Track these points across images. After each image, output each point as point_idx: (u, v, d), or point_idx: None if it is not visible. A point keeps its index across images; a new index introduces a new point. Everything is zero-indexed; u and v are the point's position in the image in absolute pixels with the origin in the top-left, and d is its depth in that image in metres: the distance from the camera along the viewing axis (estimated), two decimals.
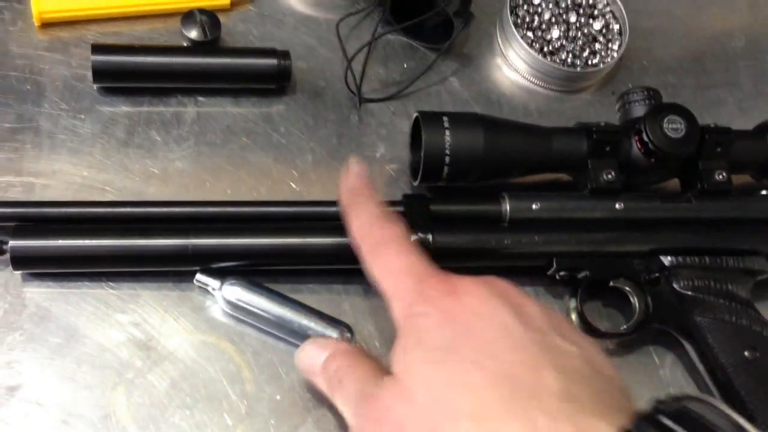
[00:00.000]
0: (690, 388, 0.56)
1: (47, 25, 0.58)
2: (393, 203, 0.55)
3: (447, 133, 0.53)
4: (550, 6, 0.67)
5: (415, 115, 0.55)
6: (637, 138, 0.55)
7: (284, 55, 0.58)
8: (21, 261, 0.49)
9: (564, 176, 0.59)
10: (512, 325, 0.39)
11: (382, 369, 0.42)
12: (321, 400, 0.51)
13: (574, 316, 0.55)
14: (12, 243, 0.48)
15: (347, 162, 0.50)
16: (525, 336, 0.39)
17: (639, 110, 0.57)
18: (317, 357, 0.46)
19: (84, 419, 0.48)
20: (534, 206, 0.55)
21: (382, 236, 0.46)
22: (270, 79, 0.59)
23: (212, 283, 0.52)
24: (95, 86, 0.57)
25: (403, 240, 0.45)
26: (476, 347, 0.38)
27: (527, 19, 0.66)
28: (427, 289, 0.42)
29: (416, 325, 0.41)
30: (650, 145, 0.54)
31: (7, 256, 0.49)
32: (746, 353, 0.53)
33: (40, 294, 0.51)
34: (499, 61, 0.67)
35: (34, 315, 0.50)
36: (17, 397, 0.48)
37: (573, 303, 0.55)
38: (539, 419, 0.35)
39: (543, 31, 0.66)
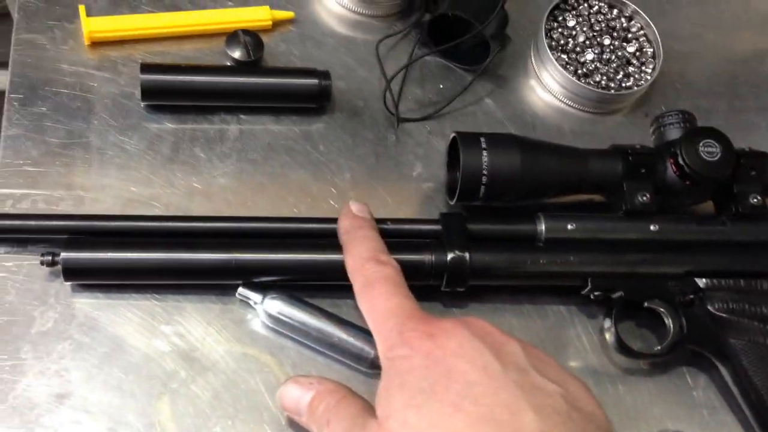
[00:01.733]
0: (723, 410, 0.56)
1: (97, 44, 0.60)
2: (430, 221, 0.56)
3: (484, 153, 0.54)
4: (585, 29, 0.68)
5: (452, 135, 0.56)
6: (672, 161, 0.56)
7: (325, 75, 0.60)
8: (72, 272, 0.51)
9: (597, 197, 0.60)
10: (492, 366, 0.40)
11: (369, 409, 0.43)
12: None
13: (608, 336, 0.56)
14: (64, 255, 0.50)
15: (348, 203, 0.53)
16: (505, 377, 0.40)
17: (674, 133, 0.58)
18: (303, 396, 0.46)
19: (130, 427, 0.49)
20: (569, 226, 0.56)
21: (373, 275, 0.47)
22: (311, 99, 0.60)
23: (254, 296, 0.53)
24: (142, 104, 0.59)
25: (392, 281, 0.47)
26: (457, 390, 0.39)
27: (562, 42, 0.68)
28: (409, 331, 0.43)
29: (398, 368, 0.42)
30: (686, 168, 0.55)
31: (59, 267, 0.50)
32: None
33: (89, 305, 0.52)
34: (533, 82, 0.68)
35: (83, 325, 0.52)
36: (66, 404, 0.49)
37: (607, 323, 0.56)
38: None
39: (577, 53, 0.67)
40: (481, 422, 0.37)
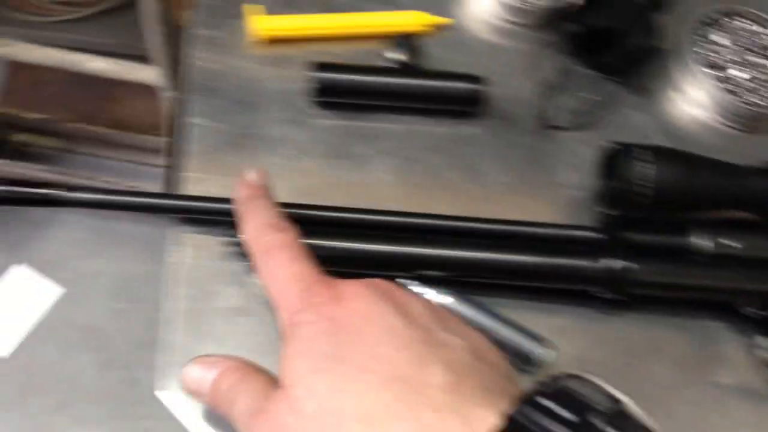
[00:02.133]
0: None
1: (268, 41, 0.64)
2: (590, 228, 0.57)
3: (649, 165, 0.55)
4: (734, 45, 0.68)
5: (615, 146, 0.57)
6: None
7: (481, 80, 0.62)
8: None
9: (747, 215, 0.60)
10: (397, 325, 0.40)
11: (274, 381, 0.42)
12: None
13: (761, 354, 0.56)
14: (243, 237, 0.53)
15: (243, 172, 0.52)
16: (410, 335, 0.39)
17: None
18: (205, 376, 0.44)
19: None
20: (736, 243, 0.56)
21: (272, 242, 0.46)
22: (467, 103, 0.62)
23: (422, 290, 0.55)
24: (310, 100, 0.62)
25: (292, 247, 0.46)
26: (362, 351, 0.39)
27: (711, 57, 0.68)
28: (313, 296, 0.42)
29: (303, 334, 0.41)
30: None
31: (237, 248, 0.54)
32: None
33: None
34: (681, 96, 0.69)
35: (261, 303, 0.54)
36: None
37: (764, 342, 0.56)
38: (425, 415, 0.35)
39: (722, 69, 0.67)
40: (389, 380, 0.37)
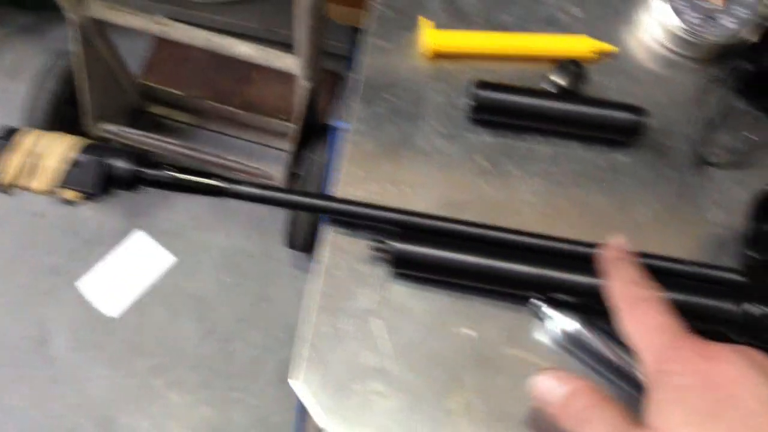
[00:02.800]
0: None
1: (435, 55, 0.66)
2: (732, 270, 0.57)
3: None
4: None
5: (767, 187, 0.57)
6: None
7: (642, 111, 0.62)
8: (401, 261, 0.57)
9: None
10: None
11: (631, 417, 0.44)
12: None
13: None
14: (398, 245, 0.56)
15: (611, 238, 0.55)
16: None
17: None
18: (557, 389, 0.47)
19: (427, 410, 0.55)
20: None
21: (640, 295, 0.49)
22: (624, 132, 0.63)
23: (553, 312, 0.56)
24: (469, 116, 0.64)
25: (658, 301, 0.48)
26: (737, 417, 0.40)
27: None
28: (683, 349, 0.44)
29: (672, 383, 0.42)
30: None
31: (383, 254, 0.57)
32: None
33: (403, 292, 0.58)
34: None
35: (397, 310, 0.58)
36: (377, 377, 0.55)
37: None
38: None
39: None
40: None
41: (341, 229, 0.60)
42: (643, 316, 0.48)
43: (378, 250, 0.57)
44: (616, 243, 0.55)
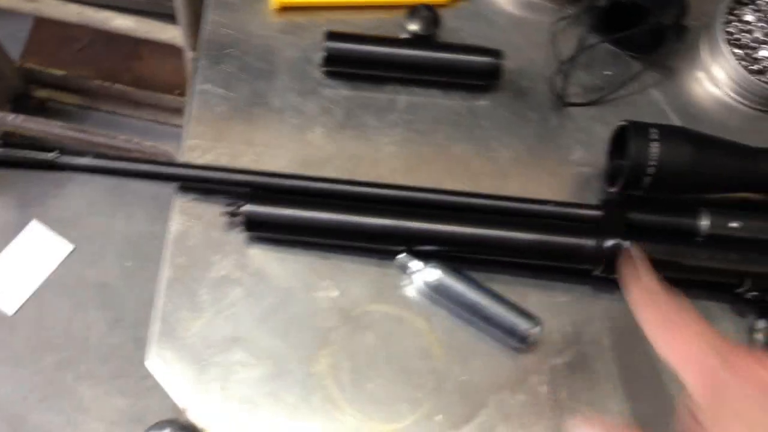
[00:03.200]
0: None
1: (284, 9, 0.63)
2: (591, 206, 0.57)
3: (655, 144, 0.54)
4: (762, 25, 0.66)
5: (622, 123, 0.57)
6: None
7: (498, 54, 0.61)
8: (254, 224, 0.54)
9: (756, 196, 0.59)
10: None
11: None
12: (503, 385, 0.54)
13: (760, 336, 0.55)
14: (248, 207, 0.54)
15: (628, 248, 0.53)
16: None
17: None
18: None
19: (292, 374, 0.53)
20: (733, 224, 0.55)
21: (669, 304, 0.47)
22: (481, 76, 0.62)
23: (414, 264, 0.55)
24: (322, 70, 0.62)
25: (690, 309, 0.46)
26: None
27: (737, 36, 0.66)
28: (732, 357, 0.42)
29: (728, 394, 0.41)
30: None
31: (236, 218, 0.54)
32: None
33: (261, 256, 0.56)
34: (701, 75, 0.67)
35: (255, 275, 0.56)
36: (238, 346, 0.53)
37: (761, 324, 0.55)
38: None
39: (752, 49, 0.66)
40: None
41: (193, 196, 0.57)
42: (681, 329, 0.45)
43: (230, 214, 0.55)
44: (631, 253, 0.52)
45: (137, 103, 1.75)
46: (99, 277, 1.64)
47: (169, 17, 1.33)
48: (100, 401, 1.54)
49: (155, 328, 0.53)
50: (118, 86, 1.72)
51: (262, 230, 0.55)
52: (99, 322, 1.60)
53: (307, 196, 0.56)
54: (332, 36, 0.60)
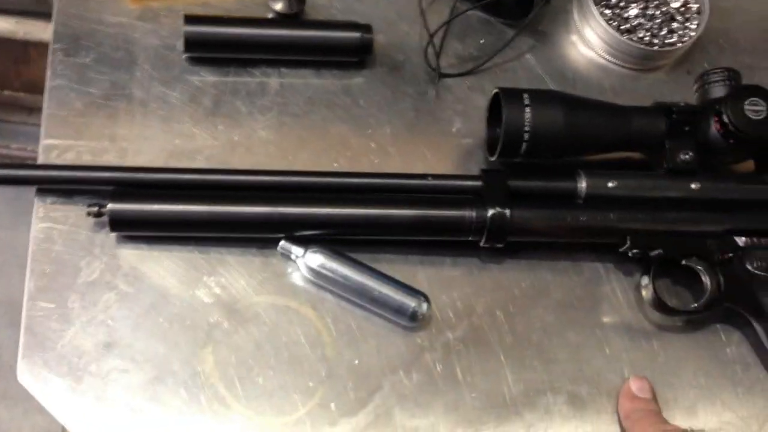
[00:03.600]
0: (756, 367, 0.57)
1: None
2: (471, 177, 0.56)
3: (527, 110, 0.54)
4: None
5: (495, 91, 0.56)
6: (716, 119, 0.55)
7: (366, 29, 0.60)
8: (119, 223, 0.51)
9: (637, 155, 0.59)
10: None
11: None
12: (396, 365, 0.53)
13: (645, 293, 0.56)
14: (110, 206, 0.51)
15: (628, 379, 0.55)
16: None
17: (718, 91, 0.57)
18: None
19: (175, 376, 0.51)
20: (610, 184, 0.55)
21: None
22: (352, 53, 0.60)
23: (295, 250, 0.54)
24: (185, 56, 0.59)
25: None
26: None
27: None
28: None
29: None
30: (730, 126, 0.54)
31: (104, 218, 0.51)
32: None
33: (134, 255, 0.54)
34: (574, 38, 0.67)
35: (128, 275, 0.53)
36: (113, 353, 0.51)
37: (645, 280, 0.56)
38: None
39: (621, 8, 0.66)
40: None
41: (54, 198, 0.54)
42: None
43: (94, 215, 0.52)
44: (634, 388, 0.54)
45: (30, 109, 1.67)
46: (5, 295, 1.56)
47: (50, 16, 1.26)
48: (17, 422, 1.47)
49: (23, 341, 0.50)
50: (7, 92, 1.63)
51: (129, 229, 0.52)
52: (8, 340, 1.53)
53: (179, 190, 0.53)
54: (191, 20, 0.57)
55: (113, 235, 0.53)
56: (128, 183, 0.53)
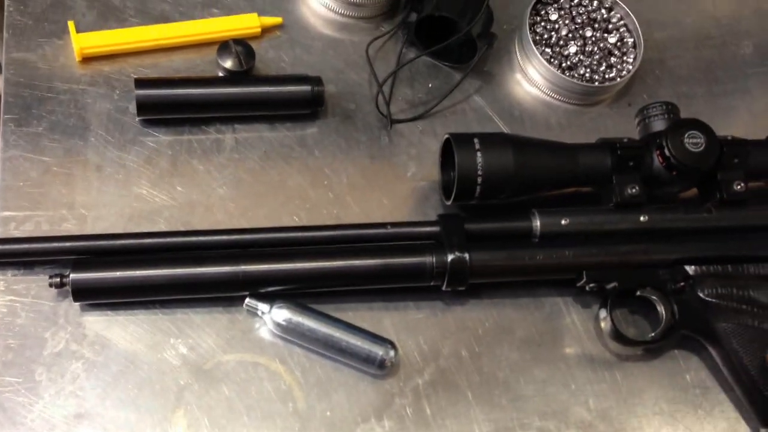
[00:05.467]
0: (715, 390, 0.59)
1: (88, 59, 0.60)
2: (429, 223, 0.57)
3: (478, 154, 0.55)
4: (567, 22, 0.69)
5: (446, 136, 0.58)
6: (659, 153, 0.58)
7: (317, 81, 0.61)
8: (81, 293, 0.51)
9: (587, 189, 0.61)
10: None
11: None
12: (368, 414, 0.54)
13: (603, 325, 0.58)
14: (72, 276, 0.51)
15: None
16: None
17: (659, 125, 0.59)
18: None
19: None
20: (563, 221, 0.57)
21: None
22: (304, 105, 0.61)
23: (262, 306, 0.54)
24: (138, 118, 0.59)
25: None
26: None
27: (545, 36, 0.69)
28: None
29: None
30: (672, 159, 0.57)
31: (67, 288, 0.51)
32: None
33: (99, 323, 0.53)
34: (519, 77, 0.70)
35: (95, 344, 0.53)
36: (84, 424, 0.50)
37: (603, 313, 0.58)
38: None
39: (561, 47, 0.69)
40: None
41: (15, 271, 0.53)
42: None
43: (56, 285, 0.51)
44: None
45: None
46: None
47: None
48: None
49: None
50: None
51: (92, 297, 0.52)
52: None
53: (140, 254, 0.53)
54: (141, 83, 0.57)
55: (77, 304, 0.53)
56: (89, 252, 0.53)
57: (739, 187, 0.59)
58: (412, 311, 0.58)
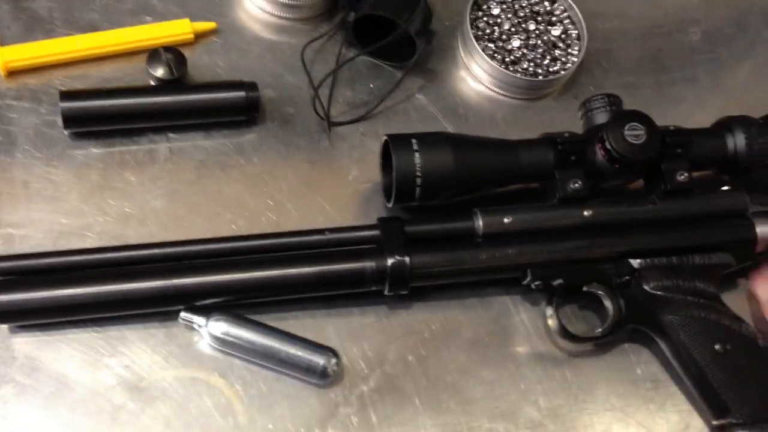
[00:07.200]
0: (666, 383, 0.58)
1: (13, 73, 0.59)
2: (369, 227, 0.56)
3: (416, 154, 0.54)
4: (509, 16, 0.68)
5: (384, 138, 0.56)
6: (600, 146, 0.57)
7: (251, 86, 0.59)
8: (7, 315, 0.50)
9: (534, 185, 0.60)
10: None
11: None
12: (312, 425, 0.52)
13: (551, 323, 0.57)
14: None
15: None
16: None
17: (601, 117, 0.58)
18: None
19: None
20: (506, 220, 0.56)
21: None
22: (239, 112, 0.60)
23: (197, 320, 0.53)
24: (66, 132, 0.58)
25: None
26: None
27: (487, 31, 0.68)
28: None
29: None
30: (613, 152, 0.56)
31: None
32: (716, 347, 0.55)
33: (28, 344, 0.52)
34: (463, 73, 0.68)
35: (24, 366, 0.51)
36: None
37: (549, 311, 0.57)
38: None
39: (504, 41, 0.67)
40: None
41: None
42: None
43: None
44: None
45: None
46: None
47: None
48: None
49: None
50: None
51: (18, 319, 0.51)
52: None
53: (69, 272, 0.52)
54: (67, 95, 0.56)
55: (4, 325, 0.51)
56: (15, 272, 0.51)
57: (682, 177, 0.58)
58: (356, 317, 0.57)
